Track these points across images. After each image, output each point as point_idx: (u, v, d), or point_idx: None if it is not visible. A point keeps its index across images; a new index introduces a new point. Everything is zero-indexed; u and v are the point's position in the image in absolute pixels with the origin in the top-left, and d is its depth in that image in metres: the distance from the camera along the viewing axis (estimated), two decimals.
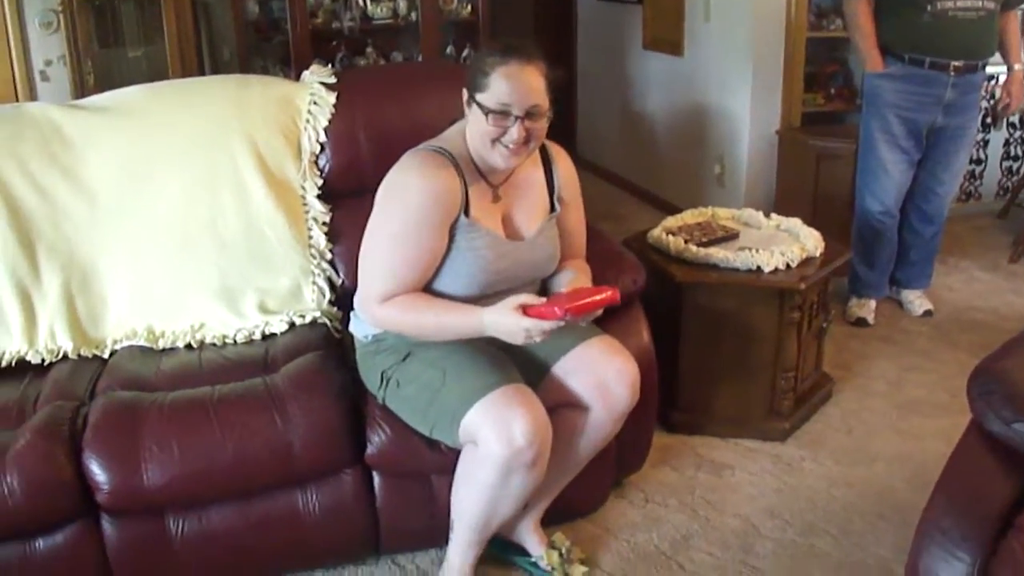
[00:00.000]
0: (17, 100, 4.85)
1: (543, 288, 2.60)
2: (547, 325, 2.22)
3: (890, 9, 4.01)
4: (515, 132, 2.31)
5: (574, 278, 2.55)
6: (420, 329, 2.39)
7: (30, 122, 3.01)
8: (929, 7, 3.87)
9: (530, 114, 2.31)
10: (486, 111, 2.30)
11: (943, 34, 3.91)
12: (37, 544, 2.40)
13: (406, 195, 2.38)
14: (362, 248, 2.47)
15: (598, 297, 2.27)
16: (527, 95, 2.30)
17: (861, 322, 4.34)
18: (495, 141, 2.33)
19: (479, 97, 2.31)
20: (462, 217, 2.39)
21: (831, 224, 4.24)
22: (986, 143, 5.84)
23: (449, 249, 2.39)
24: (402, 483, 2.63)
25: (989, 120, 5.55)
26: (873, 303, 4.41)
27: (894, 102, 4.06)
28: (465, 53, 5.39)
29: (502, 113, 2.30)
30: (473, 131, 2.37)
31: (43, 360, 2.82)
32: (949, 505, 2.01)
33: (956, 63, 3.95)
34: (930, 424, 3.47)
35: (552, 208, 2.59)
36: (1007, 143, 5.91)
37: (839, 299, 4.38)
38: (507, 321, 2.24)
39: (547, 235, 2.56)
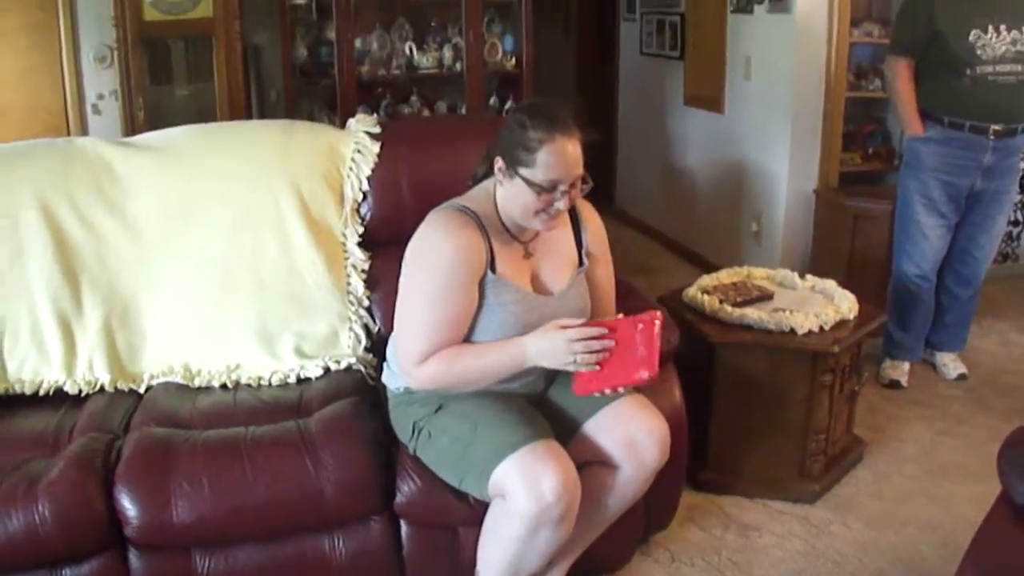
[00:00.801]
0: (68, 132, 4.96)
1: None
2: (592, 331, 2.25)
3: (930, 73, 4.01)
4: (562, 204, 2.37)
5: None
6: (465, 375, 2.40)
7: (81, 157, 3.08)
8: (968, 71, 3.87)
9: (574, 185, 2.37)
10: (536, 189, 2.34)
11: (982, 98, 3.91)
12: (64, 574, 2.43)
13: (433, 256, 2.41)
14: (396, 313, 2.50)
15: (634, 376, 2.26)
16: (573, 168, 2.36)
17: (895, 384, 4.31)
18: (539, 211, 2.37)
19: (525, 173, 2.34)
20: (489, 274, 2.42)
21: (866, 284, 4.26)
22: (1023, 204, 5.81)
23: (480, 306, 2.42)
24: (429, 533, 2.64)
25: None
26: (907, 365, 4.38)
27: (934, 166, 4.06)
28: (508, 104, 5.43)
29: (550, 189, 2.34)
30: (513, 201, 2.40)
31: (80, 391, 2.88)
32: None
33: (996, 127, 3.94)
34: (962, 490, 3.44)
35: (580, 263, 2.62)
36: None
37: (873, 360, 4.36)
38: (550, 339, 2.29)
39: (576, 290, 2.58)
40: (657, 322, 2.26)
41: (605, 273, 2.70)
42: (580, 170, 2.37)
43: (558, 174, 2.33)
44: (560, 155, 2.32)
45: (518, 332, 2.40)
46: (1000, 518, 2.10)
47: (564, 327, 2.29)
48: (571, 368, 2.29)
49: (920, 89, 4.05)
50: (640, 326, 2.26)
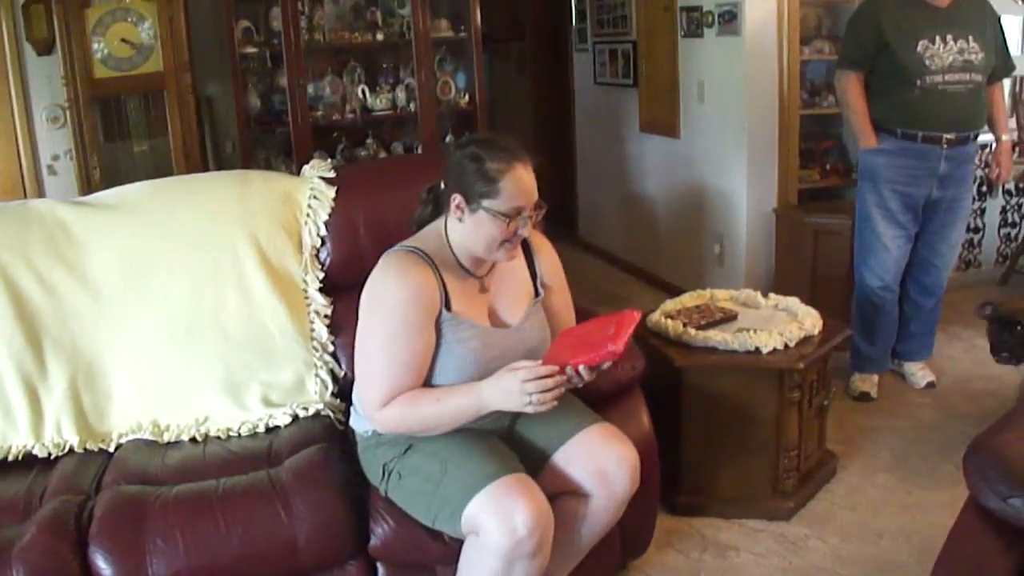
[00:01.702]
0: (25, 194, 4.94)
1: None
2: (542, 371, 2.23)
3: (881, 86, 4.07)
4: (525, 230, 2.41)
5: None
6: (423, 421, 2.41)
7: (36, 219, 3.07)
8: (919, 82, 3.93)
9: (536, 208, 2.41)
10: (502, 218, 2.36)
11: (934, 108, 3.97)
12: None
13: (385, 299, 2.42)
14: (355, 359, 2.51)
15: (602, 351, 2.26)
16: (533, 194, 2.40)
17: (864, 397, 4.34)
18: (504, 241, 2.40)
19: (488, 204, 2.36)
20: (444, 312, 2.43)
21: (830, 300, 4.29)
22: (983, 211, 5.89)
23: (438, 345, 2.43)
24: (406, 574, 2.62)
25: (985, 189, 5.61)
26: (876, 377, 4.42)
27: (889, 177, 4.10)
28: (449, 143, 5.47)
29: (516, 216, 2.37)
30: (475, 235, 2.42)
31: (49, 454, 2.85)
32: None
33: (948, 135, 4.00)
34: (936, 497, 3.46)
35: (536, 293, 2.64)
36: (1004, 210, 5.96)
37: (841, 375, 4.39)
38: (504, 382, 2.28)
39: (533, 321, 2.60)
40: (636, 314, 2.32)
41: (563, 301, 2.73)
42: (537, 194, 2.41)
43: (521, 201, 2.37)
44: (521, 181, 2.37)
45: (477, 369, 2.41)
46: (968, 523, 2.11)
47: (515, 369, 2.28)
48: (529, 410, 2.27)
49: (872, 101, 4.11)
50: (615, 319, 2.31)
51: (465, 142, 2.50)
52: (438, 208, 2.54)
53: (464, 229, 2.44)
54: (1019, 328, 3.63)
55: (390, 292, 2.42)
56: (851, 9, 4.49)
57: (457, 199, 2.41)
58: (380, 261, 2.49)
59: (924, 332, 4.48)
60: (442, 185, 2.51)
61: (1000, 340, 3.71)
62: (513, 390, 2.25)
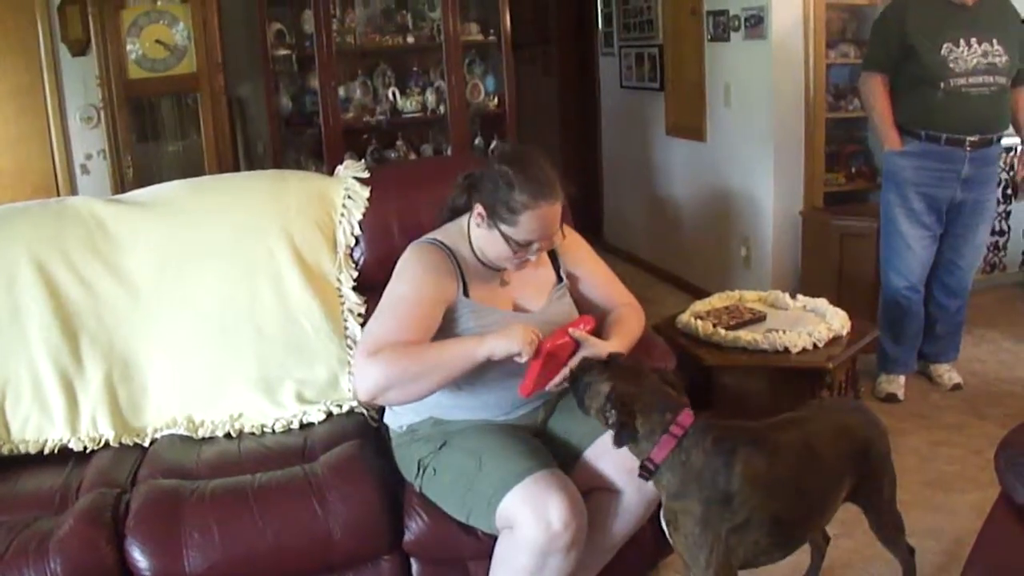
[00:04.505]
0: (58, 192, 5.01)
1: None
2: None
3: (905, 88, 4.08)
4: (534, 257, 2.51)
5: (615, 317, 2.70)
6: (416, 363, 2.37)
7: (74, 216, 3.11)
8: (943, 84, 3.93)
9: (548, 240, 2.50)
10: (513, 245, 2.44)
11: (957, 110, 3.97)
12: None
13: (403, 271, 2.53)
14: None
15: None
16: (551, 231, 2.47)
17: (891, 398, 4.34)
18: (511, 259, 2.49)
19: (505, 230, 2.43)
20: (462, 297, 2.50)
21: (857, 302, 4.29)
22: (1008, 214, 5.86)
23: (460, 333, 2.49)
24: (439, 569, 2.65)
25: (1010, 191, 5.60)
26: (902, 379, 4.42)
27: (914, 179, 4.11)
28: (493, 144, 5.48)
29: (526, 246, 2.45)
30: (488, 246, 2.51)
31: (85, 448, 2.88)
32: None
33: (972, 138, 4.00)
34: (963, 498, 3.46)
35: (559, 279, 2.71)
36: None
37: (868, 376, 4.39)
38: (510, 327, 2.36)
39: (556, 307, 2.66)
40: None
41: (594, 270, 2.82)
42: (556, 230, 2.49)
43: (535, 236, 2.44)
44: (541, 220, 2.42)
45: None
46: (1000, 518, 2.12)
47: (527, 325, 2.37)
48: (518, 358, 2.32)
49: (896, 104, 4.11)
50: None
51: (506, 155, 2.53)
52: (471, 199, 2.58)
53: (481, 234, 2.52)
54: None
55: (407, 265, 2.52)
56: (876, 13, 4.49)
57: (480, 208, 2.48)
58: (404, 253, 2.59)
59: (950, 334, 4.48)
60: (477, 176, 2.56)
61: None
62: (516, 333, 2.32)
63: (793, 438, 2.36)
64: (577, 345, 2.44)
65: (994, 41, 3.93)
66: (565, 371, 2.41)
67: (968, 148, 4.02)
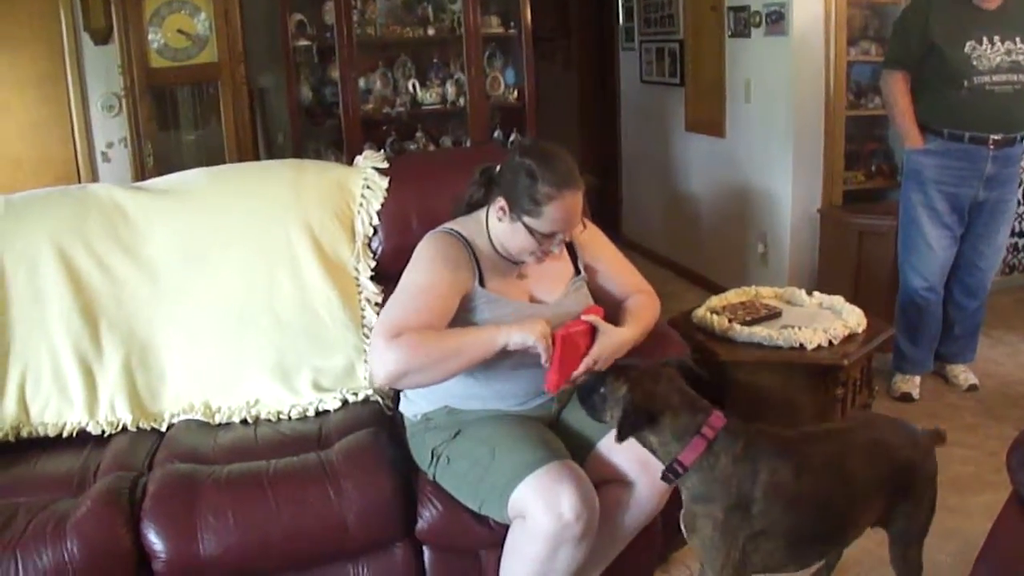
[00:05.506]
0: (79, 180, 5.05)
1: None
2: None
3: (927, 86, 4.07)
4: (557, 248, 2.52)
5: (631, 304, 2.73)
6: (437, 348, 2.38)
7: (95, 203, 3.13)
8: (965, 82, 3.93)
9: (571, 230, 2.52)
10: (537, 237, 2.45)
11: (981, 108, 3.96)
12: None
13: (418, 258, 2.54)
14: None
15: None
16: (575, 220, 2.49)
17: (906, 397, 4.34)
18: (534, 252, 2.50)
19: (528, 221, 2.44)
20: (478, 288, 2.51)
21: (874, 301, 4.28)
22: None
23: (477, 323, 2.51)
24: (451, 557, 2.66)
25: None
26: (918, 378, 4.41)
27: (935, 178, 4.10)
28: (513, 137, 5.49)
29: (550, 236, 2.45)
30: (510, 239, 2.52)
31: (103, 431, 2.92)
32: None
33: (995, 136, 3.99)
34: (976, 500, 3.45)
35: (577, 272, 2.72)
36: None
37: (884, 375, 4.38)
38: (530, 320, 2.41)
39: (573, 298, 2.66)
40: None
41: (610, 258, 2.83)
42: (579, 220, 2.51)
43: (560, 227, 2.45)
44: (565, 210, 2.43)
45: None
46: (1011, 517, 2.12)
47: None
48: (535, 348, 2.36)
49: (918, 102, 4.10)
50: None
51: (528, 148, 2.54)
52: (488, 193, 2.60)
53: (502, 228, 2.53)
54: None
55: (424, 253, 2.54)
56: (898, 10, 4.48)
57: (502, 202, 2.48)
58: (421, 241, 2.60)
59: (967, 334, 4.47)
60: (497, 171, 2.57)
61: None
62: (533, 326, 2.36)
63: (826, 452, 2.34)
64: (594, 332, 2.46)
65: (1018, 39, 3.91)
66: (588, 361, 2.43)
67: (991, 146, 4.00)
